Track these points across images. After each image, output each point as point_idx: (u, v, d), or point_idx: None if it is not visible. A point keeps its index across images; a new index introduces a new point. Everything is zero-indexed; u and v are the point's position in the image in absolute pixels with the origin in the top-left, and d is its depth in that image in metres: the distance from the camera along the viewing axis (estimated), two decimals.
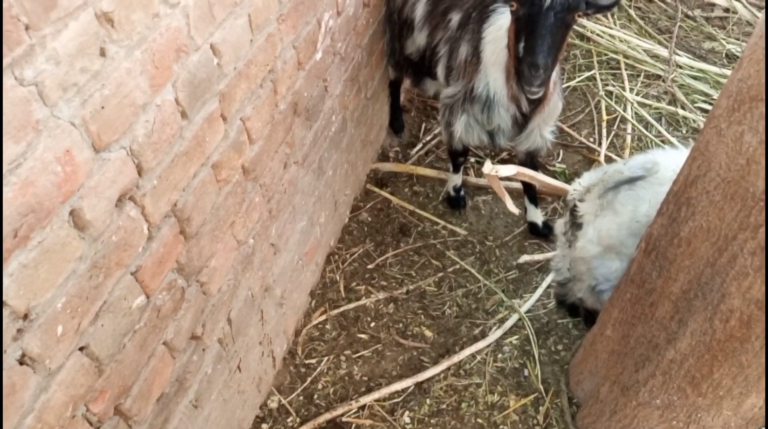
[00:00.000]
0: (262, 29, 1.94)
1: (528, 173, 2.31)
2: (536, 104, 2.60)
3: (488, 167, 2.16)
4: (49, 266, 1.21)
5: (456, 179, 3.31)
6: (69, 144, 1.21)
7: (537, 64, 2.16)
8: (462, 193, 3.36)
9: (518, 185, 3.33)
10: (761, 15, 1.27)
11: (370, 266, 3.10)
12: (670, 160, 2.10)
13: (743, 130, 1.34)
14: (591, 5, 2.23)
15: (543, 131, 2.84)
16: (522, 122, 2.70)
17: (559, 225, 2.46)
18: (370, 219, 3.35)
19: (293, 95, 2.27)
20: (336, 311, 2.89)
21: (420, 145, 3.75)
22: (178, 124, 1.58)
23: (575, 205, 2.22)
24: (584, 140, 3.70)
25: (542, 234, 3.20)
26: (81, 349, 1.36)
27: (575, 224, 2.26)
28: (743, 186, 1.38)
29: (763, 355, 1.62)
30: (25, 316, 1.18)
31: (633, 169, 2.06)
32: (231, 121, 1.85)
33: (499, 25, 2.54)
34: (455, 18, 2.75)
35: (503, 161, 3.64)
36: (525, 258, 3.05)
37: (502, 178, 2.31)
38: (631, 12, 4.62)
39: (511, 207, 2.34)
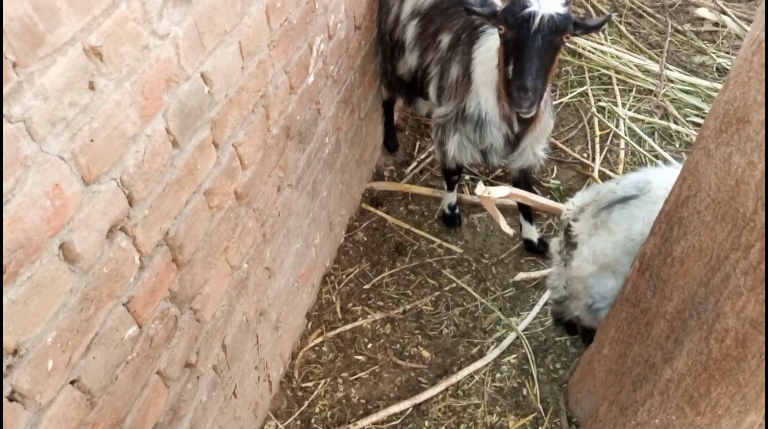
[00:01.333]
0: (253, 56, 1.95)
1: (521, 194, 2.32)
2: (528, 123, 2.62)
3: (481, 189, 2.17)
4: (38, 301, 1.21)
5: (451, 197, 3.31)
6: (58, 178, 1.21)
7: (525, 87, 2.17)
8: (457, 211, 3.37)
9: (513, 202, 3.33)
10: (750, 29, 1.27)
11: (366, 286, 3.09)
12: (662, 178, 2.10)
13: (731, 151, 1.34)
14: (579, 26, 2.25)
15: (535, 149, 2.85)
16: (514, 141, 2.72)
17: (554, 244, 2.46)
18: (365, 238, 3.35)
19: (286, 119, 2.28)
20: (332, 333, 2.88)
21: (414, 164, 3.76)
22: (169, 153, 1.58)
23: (569, 225, 2.22)
24: (578, 156, 3.72)
25: (538, 251, 3.20)
26: (72, 382, 1.35)
27: (570, 244, 2.25)
28: (733, 206, 1.39)
29: (761, 374, 1.61)
30: (15, 352, 1.17)
31: (626, 189, 2.06)
32: (223, 147, 1.85)
33: (489, 46, 2.56)
34: (445, 39, 2.77)
35: (498, 178, 3.65)
36: (521, 275, 3.04)
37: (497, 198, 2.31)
38: (622, 27, 4.66)
39: (505, 227, 2.35)
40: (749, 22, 4.57)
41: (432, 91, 2.93)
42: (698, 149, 1.48)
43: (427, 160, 3.79)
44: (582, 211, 2.17)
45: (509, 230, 2.40)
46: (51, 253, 1.23)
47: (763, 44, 1.22)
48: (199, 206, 1.77)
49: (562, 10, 2.18)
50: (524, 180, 3.07)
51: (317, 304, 3.00)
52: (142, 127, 1.45)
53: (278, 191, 2.34)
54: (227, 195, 1.93)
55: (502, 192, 2.19)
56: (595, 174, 3.55)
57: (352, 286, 3.10)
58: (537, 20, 2.15)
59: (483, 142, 2.77)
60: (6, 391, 1.17)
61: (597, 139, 3.78)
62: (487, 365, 2.74)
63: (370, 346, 2.85)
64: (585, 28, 2.28)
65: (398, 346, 2.85)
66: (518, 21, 2.18)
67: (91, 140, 1.28)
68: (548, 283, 2.68)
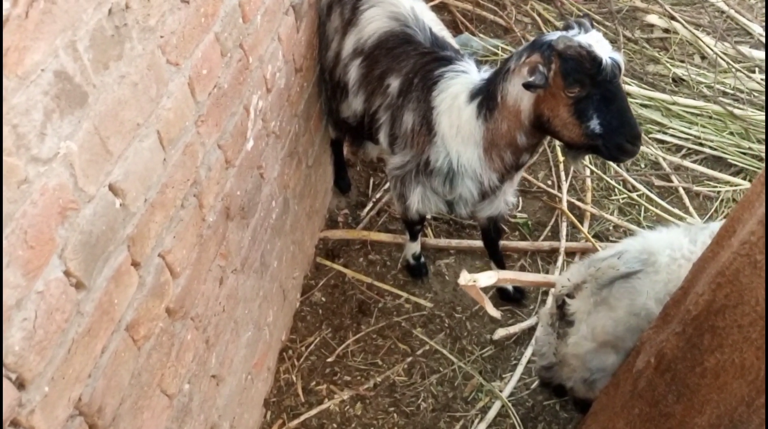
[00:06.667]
0: (177, 142, 1.58)
1: (509, 277, 2.05)
2: (517, 170, 2.39)
3: (465, 278, 1.88)
4: None
5: (414, 247, 3.01)
6: None
7: (638, 134, 2.04)
8: (422, 259, 3.07)
9: (479, 244, 3.07)
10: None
11: (329, 359, 2.75)
12: (663, 242, 1.88)
13: None
14: None
15: (507, 196, 2.59)
16: (490, 191, 2.44)
17: (544, 315, 2.20)
18: (324, 299, 3.00)
19: (224, 199, 1.92)
20: (296, 422, 2.53)
21: (370, 205, 3.43)
22: (72, 302, 1.20)
23: (564, 301, 1.96)
24: (542, 185, 3.48)
25: (514, 299, 2.94)
26: None
27: (565, 321, 2.00)
28: None
29: None
30: None
31: (629, 264, 1.82)
32: (146, 264, 1.48)
33: (452, 93, 2.27)
34: (394, 83, 2.45)
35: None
36: (500, 332, 2.77)
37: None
38: None
39: (492, 311, 2.07)
40: (698, 26, 4.46)
41: (383, 137, 2.61)
42: (739, 256, 1.22)
43: (384, 199, 3.46)
44: (579, 289, 1.91)
45: (497, 314, 2.13)
46: None
47: None
48: (121, 347, 1.40)
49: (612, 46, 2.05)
50: (494, 227, 2.80)
51: (275, 388, 2.65)
52: (29, 286, 1.08)
53: (221, 284, 1.97)
54: (157, 317, 1.56)
55: (489, 279, 1.91)
56: (564, 206, 3.32)
57: (313, 359, 2.76)
58: (623, 67, 2.02)
59: (452, 193, 2.48)
60: None
61: (561, 166, 3.55)
62: None
63: None
64: None
65: None
66: (603, 76, 1.97)
67: None
68: (535, 350, 2.42)
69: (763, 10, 4.62)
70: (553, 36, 2.03)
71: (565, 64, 1.96)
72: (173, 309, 1.63)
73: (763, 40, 4.30)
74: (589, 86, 1.98)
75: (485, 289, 2.24)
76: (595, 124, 2.00)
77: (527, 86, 1.98)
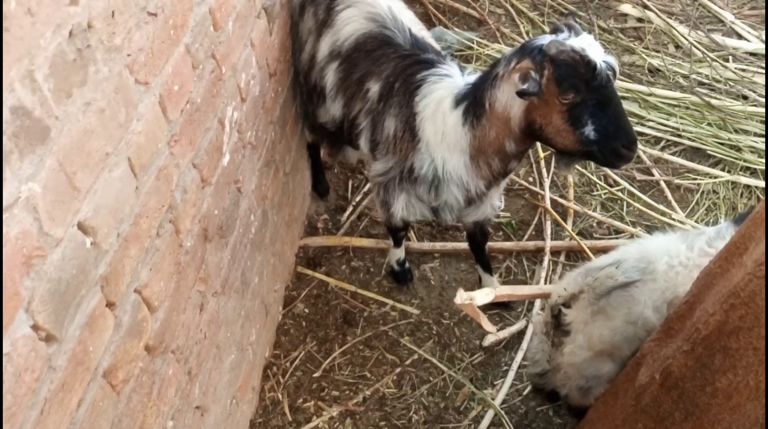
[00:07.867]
0: (150, 167, 1.46)
1: (506, 292, 1.98)
2: (504, 176, 2.33)
3: (462, 296, 1.80)
4: None
5: (398, 253, 2.93)
6: None
7: (634, 139, 1.97)
8: (407, 265, 2.99)
9: (465, 246, 3.00)
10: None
11: (316, 374, 2.66)
12: (660, 250, 1.83)
13: None
14: None
15: (493, 200, 2.52)
16: (477, 197, 2.37)
17: (538, 323, 2.14)
18: (307, 310, 2.91)
19: (201, 221, 1.81)
20: None
21: (350, 209, 3.33)
22: (43, 358, 1.09)
23: (560, 311, 1.91)
24: (524, 182, 3.43)
25: (501, 303, 2.88)
26: None
27: (561, 330, 1.94)
28: None
29: None
30: None
31: (628, 273, 1.77)
32: (122, 303, 1.37)
33: (436, 98, 2.18)
34: (374, 88, 2.35)
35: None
36: (490, 338, 2.71)
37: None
38: (546, 28, 4.40)
39: (489, 327, 2.00)
40: (671, 15, 4.44)
41: (363, 143, 2.51)
42: (756, 277, 1.17)
43: (364, 202, 3.37)
44: (576, 299, 1.86)
45: (493, 329, 2.06)
46: None
47: None
48: (99, 396, 1.29)
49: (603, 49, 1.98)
50: (480, 231, 2.74)
51: (261, 408, 2.55)
52: None
53: (201, 310, 1.86)
54: (136, 358, 1.45)
55: (486, 297, 1.84)
56: (547, 204, 3.27)
57: (299, 375, 2.66)
58: (617, 70, 1.95)
59: (437, 200, 2.40)
60: None
61: (542, 162, 3.50)
62: None
63: None
64: None
65: None
66: (598, 81, 1.88)
67: None
68: (528, 357, 2.38)
69: None
70: (543, 40, 1.95)
71: (558, 70, 1.88)
72: (153, 345, 1.52)
73: (736, 27, 4.31)
74: (584, 92, 1.90)
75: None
76: (590, 130, 1.93)
77: (521, 94, 1.90)
